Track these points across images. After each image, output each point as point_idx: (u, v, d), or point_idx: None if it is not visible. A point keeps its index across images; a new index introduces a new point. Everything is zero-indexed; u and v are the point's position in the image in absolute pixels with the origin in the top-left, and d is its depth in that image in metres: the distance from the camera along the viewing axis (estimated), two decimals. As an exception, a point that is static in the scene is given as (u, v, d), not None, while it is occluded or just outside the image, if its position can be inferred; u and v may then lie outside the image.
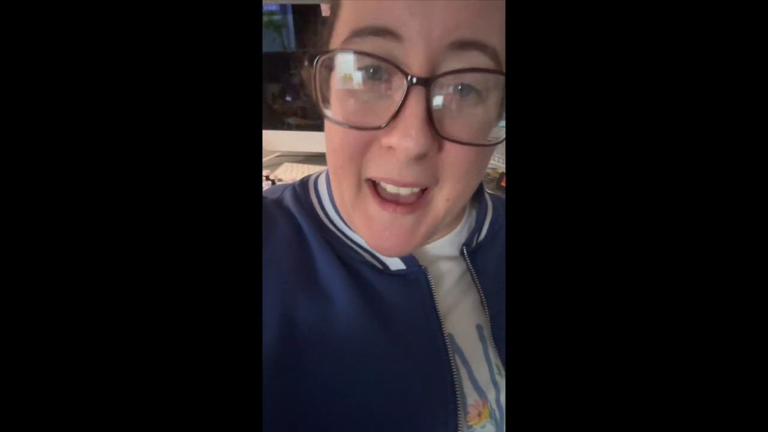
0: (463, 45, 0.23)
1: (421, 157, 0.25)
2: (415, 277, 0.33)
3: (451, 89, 0.25)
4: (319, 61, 0.26)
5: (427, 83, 0.24)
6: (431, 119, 0.24)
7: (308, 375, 0.29)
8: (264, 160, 1.14)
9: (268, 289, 0.29)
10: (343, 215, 0.35)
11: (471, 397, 0.32)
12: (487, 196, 0.42)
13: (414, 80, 0.23)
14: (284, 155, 1.16)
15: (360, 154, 0.27)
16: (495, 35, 0.24)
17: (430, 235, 0.31)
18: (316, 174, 0.39)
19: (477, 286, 0.36)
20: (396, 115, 0.24)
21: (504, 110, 0.26)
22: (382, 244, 0.30)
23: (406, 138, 0.24)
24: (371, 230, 0.30)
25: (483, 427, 0.31)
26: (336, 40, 0.27)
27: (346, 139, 0.27)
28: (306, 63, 0.26)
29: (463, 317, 0.34)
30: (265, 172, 1.01)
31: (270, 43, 0.95)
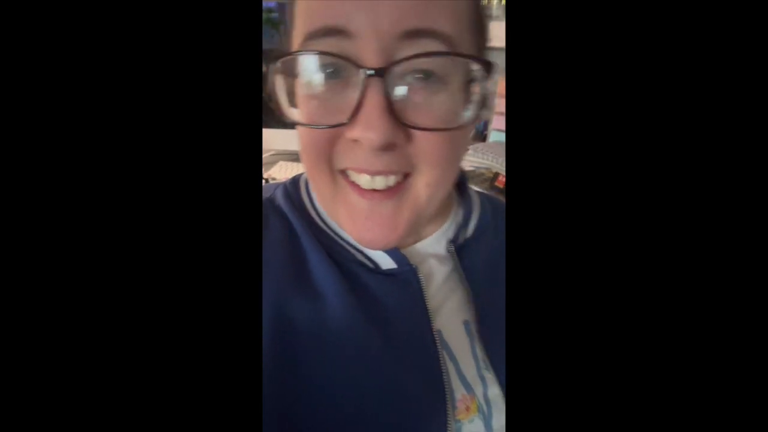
0: (413, 34, 0.24)
1: (388, 147, 0.26)
2: (406, 276, 0.34)
3: (409, 78, 0.25)
4: (275, 66, 0.27)
5: (381, 73, 0.24)
6: (392, 109, 0.25)
7: (300, 372, 0.29)
8: (258, 158, 1.13)
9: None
10: (327, 215, 0.35)
11: (459, 392, 0.32)
12: (473, 193, 0.42)
13: (369, 73, 0.24)
14: (279, 153, 1.16)
15: (328, 150, 0.28)
16: (447, 22, 0.25)
17: (414, 225, 0.31)
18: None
19: (465, 283, 0.36)
20: (357, 109, 0.25)
21: (471, 93, 0.27)
22: (365, 236, 0.30)
23: (368, 130, 0.25)
24: (354, 222, 0.30)
25: (471, 421, 0.32)
26: (293, 45, 0.28)
27: (314, 137, 0.28)
28: (264, 68, 0.27)
29: (452, 314, 0.35)
30: (259, 171, 1.01)
31: (267, 41, 0.94)
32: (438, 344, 0.32)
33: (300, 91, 0.28)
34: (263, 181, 0.94)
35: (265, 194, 0.37)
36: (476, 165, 0.95)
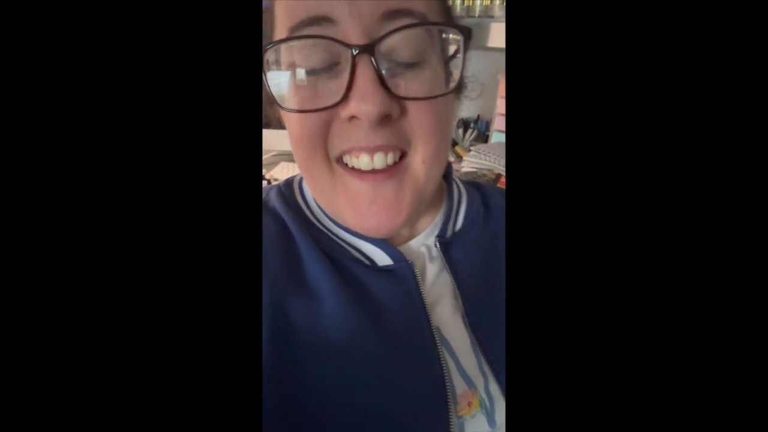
0: (391, 14, 0.27)
1: (384, 120, 0.27)
2: (402, 272, 0.34)
3: (393, 57, 0.27)
4: (263, 56, 0.28)
5: (369, 48, 0.26)
6: (383, 82, 0.26)
7: (299, 371, 0.29)
8: (261, 159, 1.14)
9: None
10: (325, 209, 0.35)
11: (460, 387, 0.32)
12: (460, 184, 0.43)
13: (357, 50, 0.26)
14: (281, 154, 1.16)
15: (322, 135, 0.29)
16: (420, 2, 0.27)
17: (416, 209, 0.31)
18: (301, 174, 0.40)
19: (454, 277, 0.36)
20: (350, 86, 0.26)
21: (452, 65, 0.30)
22: (369, 222, 0.30)
23: (364, 102, 0.26)
24: (356, 210, 0.30)
25: (473, 416, 0.32)
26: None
27: (305, 124, 0.28)
28: None
29: (449, 308, 0.35)
30: (262, 172, 1.02)
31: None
32: (437, 340, 0.33)
33: (289, 81, 0.29)
34: (266, 182, 0.95)
35: None
36: (478, 167, 0.95)
